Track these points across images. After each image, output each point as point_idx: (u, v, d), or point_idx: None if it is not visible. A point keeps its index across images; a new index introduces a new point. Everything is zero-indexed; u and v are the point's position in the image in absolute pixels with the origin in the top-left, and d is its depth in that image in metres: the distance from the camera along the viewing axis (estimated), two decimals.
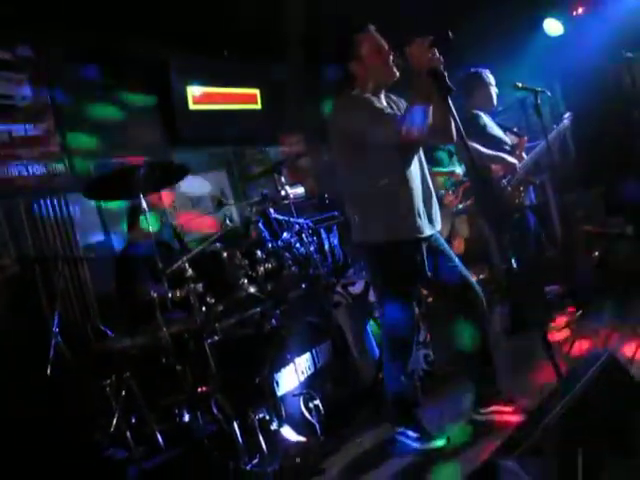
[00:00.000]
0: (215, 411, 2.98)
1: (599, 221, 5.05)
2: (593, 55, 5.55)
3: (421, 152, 2.83)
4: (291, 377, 3.03)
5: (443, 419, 2.99)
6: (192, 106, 5.58)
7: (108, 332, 3.55)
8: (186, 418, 3.09)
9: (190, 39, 5.51)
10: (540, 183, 5.28)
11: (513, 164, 3.92)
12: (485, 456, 2.40)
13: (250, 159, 6.58)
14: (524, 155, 4.04)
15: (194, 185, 5.42)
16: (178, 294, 3.00)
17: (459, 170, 5.22)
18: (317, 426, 2.94)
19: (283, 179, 4.09)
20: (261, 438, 2.77)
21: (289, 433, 2.83)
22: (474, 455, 2.58)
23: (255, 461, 2.76)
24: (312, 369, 3.15)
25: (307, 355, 3.16)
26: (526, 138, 4.13)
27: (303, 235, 3.64)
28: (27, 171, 4.36)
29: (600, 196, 5.61)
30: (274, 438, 2.81)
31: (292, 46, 5.99)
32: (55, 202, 4.39)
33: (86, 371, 3.39)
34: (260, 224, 3.68)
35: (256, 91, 6.29)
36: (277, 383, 2.93)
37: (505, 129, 4.20)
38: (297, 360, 3.10)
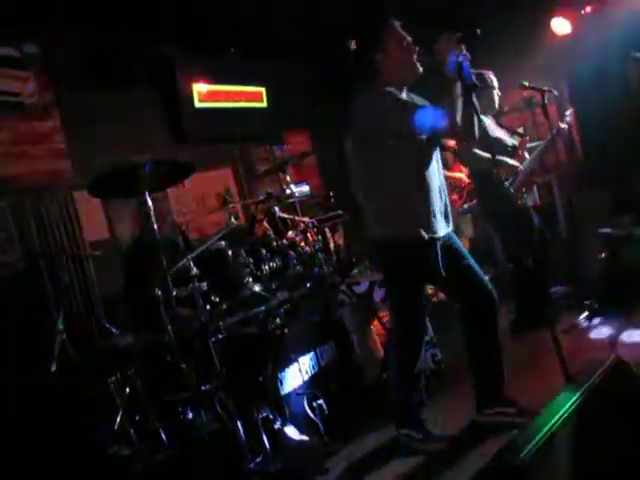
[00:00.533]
0: (219, 409, 2.98)
1: (607, 222, 5.02)
2: (600, 55, 5.52)
3: (438, 151, 2.81)
4: (295, 376, 3.02)
5: (447, 420, 2.98)
6: (198, 104, 5.59)
7: (113, 329, 3.55)
8: (190, 416, 3.09)
9: (196, 37, 5.52)
10: (546, 183, 5.27)
11: (514, 167, 3.90)
12: (489, 458, 2.40)
13: (255, 157, 6.59)
14: (526, 155, 4.02)
15: (199, 183, 5.44)
16: (183, 292, 3.00)
17: (465, 177, 5.21)
18: (320, 426, 2.94)
19: (288, 178, 4.08)
20: (264, 437, 2.77)
21: (292, 432, 2.81)
22: (478, 457, 2.57)
23: (258, 460, 2.76)
24: (316, 368, 3.14)
25: (311, 354, 3.15)
26: (527, 138, 4.11)
27: (308, 234, 3.63)
28: (33, 168, 4.38)
29: (608, 196, 5.58)
30: (277, 437, 2.81)
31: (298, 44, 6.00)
32: (61, 199, 4.41)
33: (90, 368, 3.39)
34: (265, 222, 3.67)
35: (262, 89, 6.29)
36: (281, 382, 2.93)
37: (508, 130, 4.17)
38: (301, 359, 3.09)
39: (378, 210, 2.75)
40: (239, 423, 2.78)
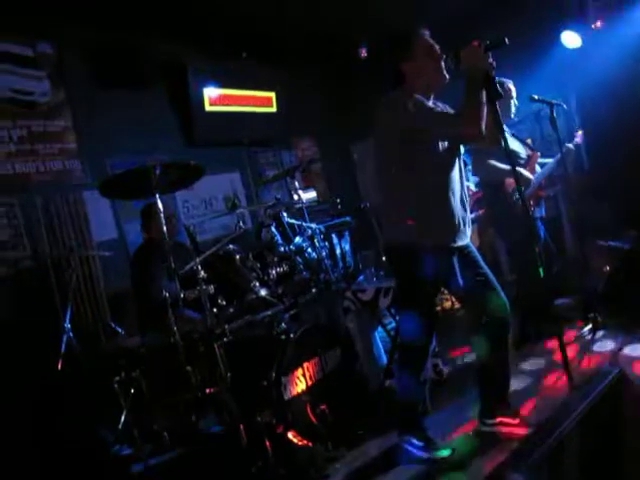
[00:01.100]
0: (222, 413, 3.00)
1: (612, 235, 5.02)
2: (610, 69, 5.53)
3: (461, 160, 2.82)
4: (299, 381, 3.03)
5: (449, 429, 2.99)
6: (208, 107, 5.62)
7: (119, 330, 3.57)
8: (193, 418, 3.10)
9: (208, 41, 5.57)
10: (553, 195, 5.27)
11: (528, 179, 3.91)
12: (491, 468, 2.42)
13: (263, 161, 6.62)
14: (537, 169, 4.03)
15: (208, 186, 5.47)
16: (190, 294, 3.02)
17: (472, 186, 5.23)
18: (323, 431, 2.95)
19: (296, 183, 4.10)
20: (267, 441, 2.78)
21: (295, 437, 2.83)
22: (479, 466, 2.58)
23: (260, 464, 2.77)
24: (320, 374, 3.15)
25: (315, 360, 3.16)
26: (538, 154, 4.12)
27: (315, 240, 3.65)
28: (44, 166, 4.42)
29: (614, 209, 5.58)
30: (280, 442, 2.82)
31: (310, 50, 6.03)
32: (70, 198, 4.44)
33: (96, 367, 3.42)
34: (273, 228, 3.69)
35: (272, 94, 6.33)
36: (285, 387, 2.93)
37: (520, 140, 4.19)
38: (305, 364, 3.10)
39: (398, 214, 2.74)
40: (242, 427, 2.79)
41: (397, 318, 3.62)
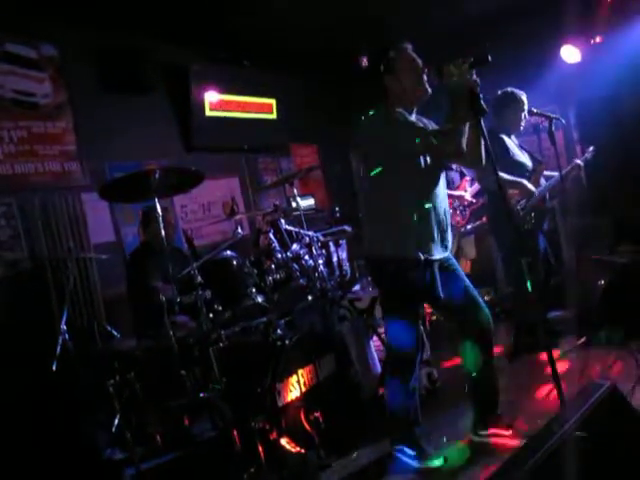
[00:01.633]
0: (216, 417, 3.00)
1: (608, 249, 5.05)
2: (609, 84, 5.57)
3: (445, 175, 2.85)
4: (293, 388, 3.04)
5: (442, 439, 3.00)
6: (209, 112, 5.64)
7: (114, 332, 3.58)
8: (186, 422, 3.11)
9: (210, 46, 5.60)
10: (550, 208, 5.30)
11: (531, 191, 3.93)
12: (483, 478, 2.43)
13: (262, 168, 6.64)
14: (542, 181, 4.05)
15: (206, 191, 5.49)
16: (187, 299, 3.03)
17: (468, 195, 5.25)
18: (316, 438, 2.95)
19: (295, 190, 4.12)
20: (260, 447, 2.79)
21: (288, 444, 2.84)
22: (471, 476, 2.59)
23: (252, 470, 2.78)
24: (314, 381, 3.16)
25: (310, 367, 3.17)
26: (544, 166, 4.14)
27: (312, 248, 3.66)
28: (43, 168, 4.42)
29: (610, 224, 5.61)
30: (273, 448, 2.83)
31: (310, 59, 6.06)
32: (69, 200, 4.45)
33: (91, 370, 3.42)
34: (271, 234, 3.71)
35: (272, 101, 6.35)
36: (279, 393, 2.94)
37: (527, 152, 4.20)
38: (300, 371, 3.11)
39: (377, 228, 2.81)
40: (235, 432, 2.80)
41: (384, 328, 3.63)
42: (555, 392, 2.26)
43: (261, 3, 4.95)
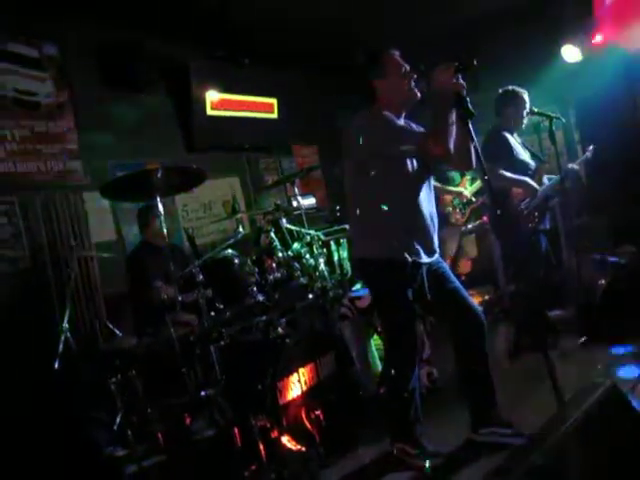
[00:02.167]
0: (216, 415, 3.01)
1: (607, 248, 5.06)
2: (609, 84, 5.57)
3: (432, 181, 2.88)
4: (294, 386, 3.05)
5: (442, 437, 3.00)
6: (210, 111, 5.64)
7: (116, 331, 3.59)
8: (187, 420, 3.12)
9: (211, 45, 5.60)
10: (550, 208, 5.31)
11: (535, 189, 3.93)
12: (482, 477, 2.43)
13: (263, 167, 6.65)
14: (545, 180, 4.05)
15: (207, 190, 5.49)
16: (188, 298, 3.04)
17: (468, 192, 5.25)
18: (317, 437, 2.96)
19: (296, 189, 4.13)
20: (260, 445, 2.80)
21: (289, 442, 2.85)
22: (471, 475, 2.60)
23: (253, 468, 2.79)
24: (315, 380, 3.17)
25: (311, 366, 3.18)
26: (547, 165, 4.15)
27: (313, 247, 3.67)
28: (45, 166, 4.43)
29: (610, 223, 5.62)
30: (273, 446, 2.84)
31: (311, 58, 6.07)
32: (70, 198, 4.46)
33: (92, 368, 3.43)
34: (272, 233, 3.72)
35: (273, 100, 6.36)
36: (280, 391, 2.95)
37: (530, 151, 4.21)
38: (301, 370, 3.12)
39: (364, 229, 2.82)
40: (236, 430, 2.81)
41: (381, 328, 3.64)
42: (555, 392, 2.26)
43: (261, 2, 4.96)
